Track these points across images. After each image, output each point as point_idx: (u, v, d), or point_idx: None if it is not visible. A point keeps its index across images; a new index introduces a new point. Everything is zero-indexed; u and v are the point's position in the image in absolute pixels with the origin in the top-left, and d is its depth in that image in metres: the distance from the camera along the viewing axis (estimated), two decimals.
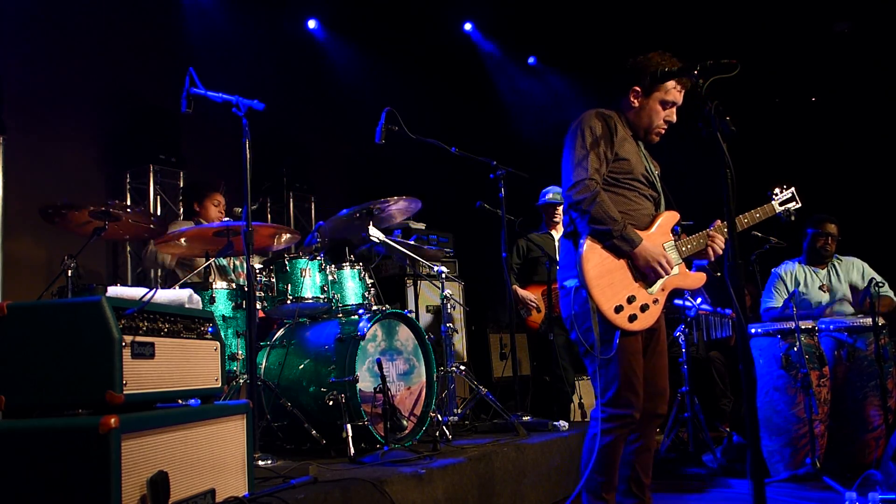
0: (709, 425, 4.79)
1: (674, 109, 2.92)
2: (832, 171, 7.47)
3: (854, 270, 5.08)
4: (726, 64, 2.38)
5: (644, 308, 2.77)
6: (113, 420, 1.99)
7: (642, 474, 2.89)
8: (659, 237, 2.88)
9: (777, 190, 3.24)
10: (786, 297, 5.00)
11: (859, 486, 3.57)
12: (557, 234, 5.57)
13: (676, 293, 3.09)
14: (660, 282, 2.83)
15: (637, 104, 2.92)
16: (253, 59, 7.12)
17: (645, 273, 2.79)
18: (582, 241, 2.78)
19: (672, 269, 2.82)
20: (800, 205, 3.24)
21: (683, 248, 2.91)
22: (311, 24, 7.89)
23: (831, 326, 4.45)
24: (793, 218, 3.25)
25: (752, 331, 4.41)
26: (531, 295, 5.49)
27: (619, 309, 2.73)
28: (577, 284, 2.78)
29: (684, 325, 4.96)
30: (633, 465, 2.89)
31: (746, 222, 3.08)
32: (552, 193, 5.58)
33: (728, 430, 5.28)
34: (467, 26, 8.80)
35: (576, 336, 2.80)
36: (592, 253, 2.75)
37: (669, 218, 2.94)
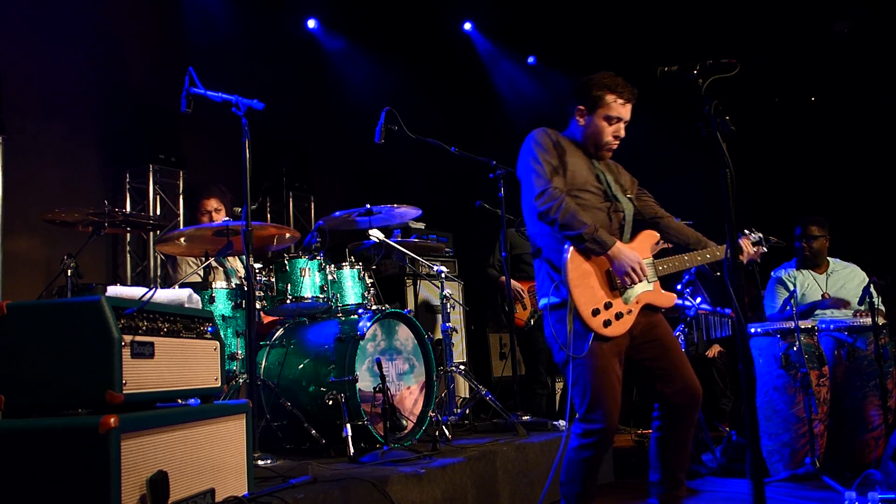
0: (708, 425, 4.78)
1: (621, 125, 2.97)
2: (832, 170, 7.47)
3: (856, 280, 5.03)
4: (726, 64, 2.39)
5: (619, 316, 2.83)
6: (112, 420, 1.99)
7: (677, 469, 2.92)
8: (639, 252, 2.92)
9: (746, 231, 3.27)
10: (778, 301, 5.00)
11: (859, 485, 3.57)
12: None
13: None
14: (634, 293, 2.87)
15: (583, 122, 2.99)
16: (253, 59, 7.11)
17: (618, 276, 2.83)
18: (567, 246, 2.83)
19: (644, 277, 2.84)
20: (765, 249, 3.29)
21: (660, 268, 2.98)
22: (311, 23, 7.89)
23: (831, 326, 4.45)
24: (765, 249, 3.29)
25: (752, 330, 4.41)
26: (519, 286, 5.45)
27: (596, 312, 2.79)
28: (550, 302, 2.86)
29: (684, 325, 4.96)
30: (668, 461, 2.91)
31: (700, 259, 3.07)
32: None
33: (728, 429, 5.28)
34: (467, 26, 8.80)
35: (556, 351, 2.87)
36: (576, 257, 2.82)
37: (649, 236, 3.00)
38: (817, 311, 4.95)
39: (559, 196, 2.81)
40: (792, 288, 5.00)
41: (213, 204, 4.66)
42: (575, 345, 2.78)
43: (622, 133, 2.99)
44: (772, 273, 5.15)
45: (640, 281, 2.83)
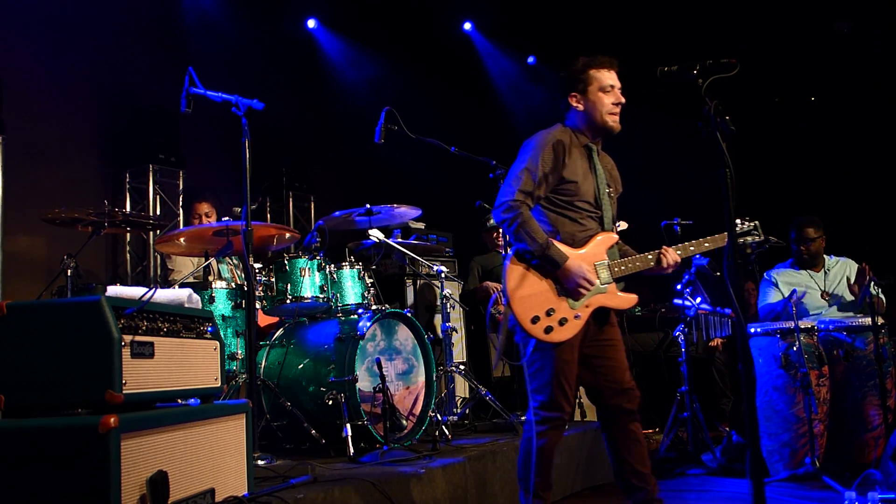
0: (708, 425, 4.79)
1: (617, 90, 3.03)
2: (832, 170, 7.47)
3: (849, 272, 5.02)
4: (725, 63, 2.39)
5: (563, 322, 2.86)
6: (112, 419, 1.99)
7: (639, 465, 2.95)
8: (591, 256, 2.96)
9: (737, 220, 3.28)
10: (781, 296, 4.96)
11: (859, 485, 3.56)
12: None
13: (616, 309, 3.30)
14: (583, 298, 2.91)
15: (581, 106, 3.04)
16: (253, 59, 7.11)
17: (569, 291, 2.88)
18: (509, 253, 2.93)
19: (592, 286, 2.89)
20: (761, 238, 3.30)
21: (617, 269, 2.99)
22: (311, 23, 7.89)
23: (830, 326, 4.44)
24: (749, 251, 3.33)
25: (752, 330, 4.40)
26: (497, 286, 5.55)
27: (535, 320, 2.84)
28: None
29: (684, 325, 4.95)
30: (624, 459, 2.96)
31: (693, 249, 3.13)
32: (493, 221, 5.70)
33: (727, 429, 5.28)
34: (467, 26, 8.80)
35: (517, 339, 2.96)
36: (515, 267, 2.90)
37: (606, 239, 3.02)
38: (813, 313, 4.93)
39: (517, 209, 2.88)
40: (785, 289, 4.97)
41: (203, 208, 4.74)
42: (522, 343, 2.91)
43: (622, 98, 3.02)
44: (765, 274, 5.12)
45: (588, 292, 2.89)
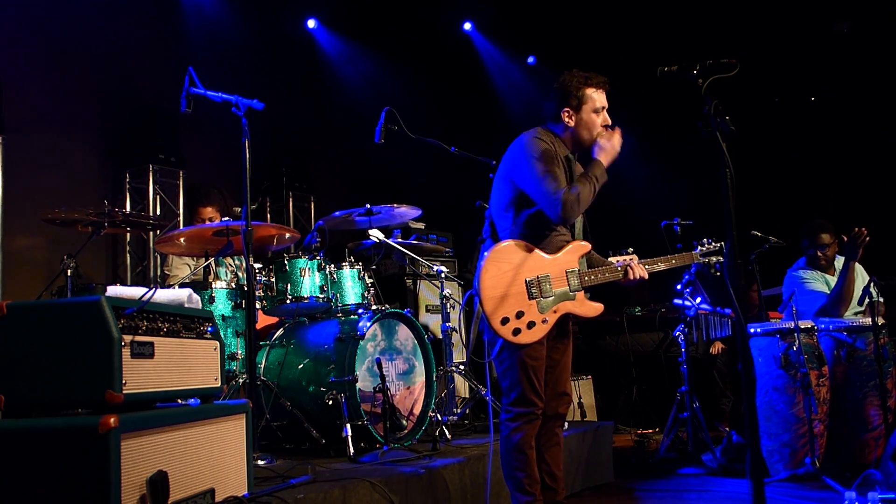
0: (708, 425, 4.79)
1: (605, 112, 3.11)
2: (832, 170, 7.47)
3: (859, 277, 5.00)
4: (725, 63, 2.39)
5: (531, 325, 2.91)
6: (112, 420, 1.99)
7: (554, 467, 3.07)
8: (563, 263, 3.00)
9: (705, 240, 3.40)
10: (828, 289, 4.90)
11: (859, 485, 3.56)
12: None
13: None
14: (550, 302, 2.95)
15: (573, 122, 3.09)
16: (253, 59, 7.12)
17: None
18: (485, 253, 2.97)
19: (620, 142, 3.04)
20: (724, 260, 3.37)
21: (587, 279, 3.04)
22: (311, 23, 7.89)
23: (831, 326, 4.44)
24: (713, 271, 3.40)
25: (752, 330, 4.40)
26: None
27: (504, 321, 2.88)
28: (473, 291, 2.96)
29: (684, 325, 4.95)
30: (543, 459, 3.06)
31: (660, 266, 3.21)
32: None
33: (727, 429, 5.28)
34: (467, 26, 8.80)
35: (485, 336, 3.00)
36: (489, 266, 2.92)
37: (578, 247, 3.06)
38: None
39: (565, 197, 2.89)
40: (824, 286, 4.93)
41: (208, 212, 4.66)
42: (490, 342, 2.96)
43: (609, 121, 3.11)
44: (796, 272, 5.07)
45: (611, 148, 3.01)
